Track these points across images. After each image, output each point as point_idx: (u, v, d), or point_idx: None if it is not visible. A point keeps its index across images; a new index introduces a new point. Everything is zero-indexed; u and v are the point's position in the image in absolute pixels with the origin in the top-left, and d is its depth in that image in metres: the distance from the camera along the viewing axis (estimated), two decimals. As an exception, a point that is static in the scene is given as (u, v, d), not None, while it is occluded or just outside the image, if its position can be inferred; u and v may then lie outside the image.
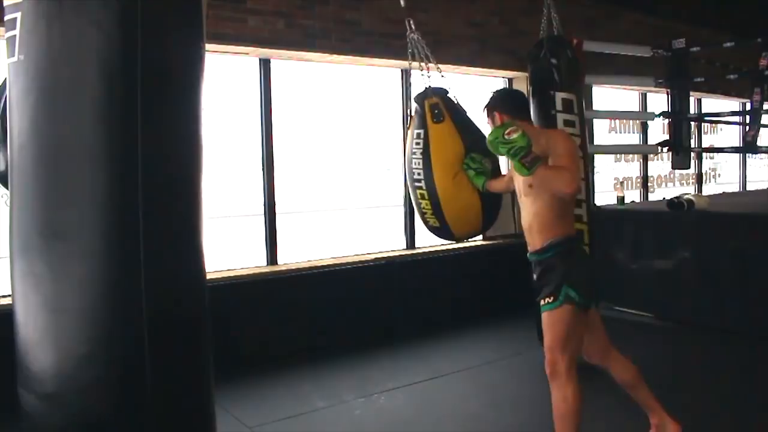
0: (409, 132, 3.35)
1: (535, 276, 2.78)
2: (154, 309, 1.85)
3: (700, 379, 3.90)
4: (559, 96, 4.27)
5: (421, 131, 3.23)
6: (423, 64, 3.50)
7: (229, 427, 3.23)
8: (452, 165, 3.21)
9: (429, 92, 3.36)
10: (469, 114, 3.40)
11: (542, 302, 2.66)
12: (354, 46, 4.71)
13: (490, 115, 2.91)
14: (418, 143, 3.21)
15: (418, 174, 3.21)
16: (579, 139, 3.99)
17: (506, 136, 2.56)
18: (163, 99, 1.89)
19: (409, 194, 5.37)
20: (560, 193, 2.60)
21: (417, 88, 3.50)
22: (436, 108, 3.24)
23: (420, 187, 3.23)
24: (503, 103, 2.89)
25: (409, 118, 3.32)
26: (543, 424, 3.34)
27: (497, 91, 3.03)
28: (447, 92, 3.39)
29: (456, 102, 3.39)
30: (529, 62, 4.50)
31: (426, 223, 3.34)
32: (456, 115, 3.29)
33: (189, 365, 1.99)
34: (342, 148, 5.59)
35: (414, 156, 3.25)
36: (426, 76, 3.50)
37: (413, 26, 3.48)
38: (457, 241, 3.77)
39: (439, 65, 4.60)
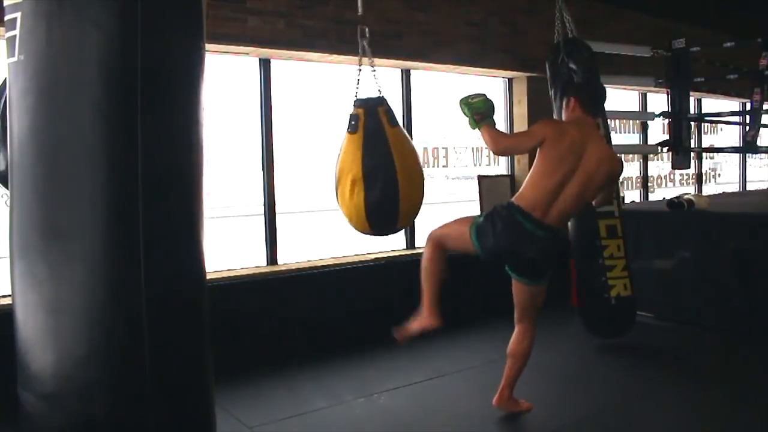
0: (359, 137, 3.32)
1: None
2: (154, 309, 1.85)
3: (700, 379, 3.90)
4: None
5: (379, 133, 3.30)
6: (369, 63, 3.52)
7: (229, 427, 3.23)
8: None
9: (366, 102, 3.37)
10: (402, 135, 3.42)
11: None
12: (354, 46, 4.70)
13: (566, 95, 3.15)
14: (377, 145, 3.27)
15: (382, 173, 3.26)
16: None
17: (470, 100, 3.05)
18: (163, 99, 1.89)
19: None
20: (489, 149, 3.11)
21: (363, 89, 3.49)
22: (354, 119, 3.31)
23: (380, 188, 3.29)
24: (585, 94, 3.18)
25: (378, 119, 3.31)
26: (543, 424, 3.34)
27: (586, 80, 3.52)
28: (379, 105, 3.38)
29: (385, 120, 3.36)
30: (548, 66, 4.50)
31: (373, 224, 3.40)
32: (369, 133, 3.30)
33: (189, 365, 1.99)
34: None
35: (374, 157, 3.28)
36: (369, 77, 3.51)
37: (367, 33, 3.51)
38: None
39: (437, 65, 4.61)
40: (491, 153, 6.23)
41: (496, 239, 3.01)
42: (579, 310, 4.71)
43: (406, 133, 3.52)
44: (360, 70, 3.52)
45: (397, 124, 3.41)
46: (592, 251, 4.50)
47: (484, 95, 3.08)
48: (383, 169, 3.24)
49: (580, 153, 3.00)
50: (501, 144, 3.08)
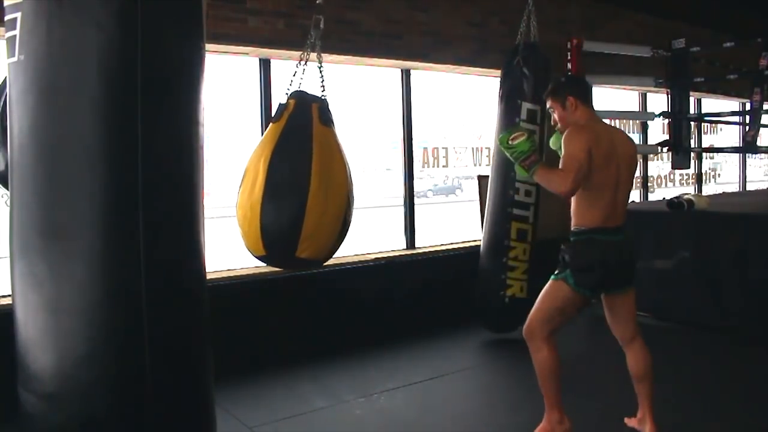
0: (280, 126, 2.91)
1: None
2: (154, 309, 1.85)
3: (700, 379, 3.90)
4: (525, 106, 4.31)
5: (304, 128, 2.86)
6: (316, 59, 3.21)
7: (229, 427, 3.23)
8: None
9: (301, 95, 3.05)
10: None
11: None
12: (354, 46, 4.71)
13: (559, 97, 2.96)
14: (298, 140, 2.81)
15: (292, 175, 2.75)
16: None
17: (510, 142, 2.82)
18: (163, 99, 1.89)
19: (406, 193, 5.38)
20: (557, 193, 2.78)
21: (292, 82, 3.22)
22: (281, 108, 2.93)
23: (283, 191, 2.78)
24: (577, 87, 3.02)
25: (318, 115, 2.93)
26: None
27: (568, 77, 3.32)
28: (314, 101, 3.02)
29: (316, 115, 2.95)
30: (502, 66, 4.52)
31: (267, 237, 2.83)
32: (292, 125, 2.88)
33: (189, 365, 1.99)
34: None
35: (290, 153, 2.81)
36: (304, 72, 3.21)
37: (321, 25, 3.28)
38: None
39: (437, 65, 4.58)
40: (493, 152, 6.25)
41: (597, 269, 2.80)
42: (476, 302, 4.77)
43: (339, 140, 2.99)
44: (305, 64, 3.14)
45: (330, 124, 2.94)
46: (498, 249, 4.59)
47: (522, 131, 2.85)
48: (295, 171, 2.66)
49: (614, 148, 2.86)
50: (568, 183, 2.71)
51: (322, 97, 3.10)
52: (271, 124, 2.94)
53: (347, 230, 2.91)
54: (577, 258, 2.82)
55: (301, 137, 2.75)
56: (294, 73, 3.12)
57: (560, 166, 2.78)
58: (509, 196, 4.56)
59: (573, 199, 2.88)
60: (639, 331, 3.02)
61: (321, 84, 3.17)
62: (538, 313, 2.90)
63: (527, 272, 4.53)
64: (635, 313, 3.02)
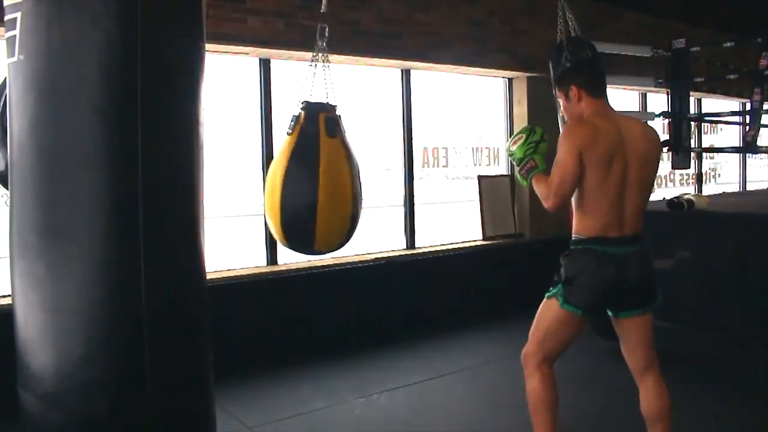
0: (292, 140, 3.08)
1: None
2: (154, 309, 1.85)
3: (700, 379, 3.90)
4: None
5: (312, 142, 3.06)
6: (322, 64, 3.33)
7: (229, 427, 3.23)
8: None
9: (326, 106, 3.19)
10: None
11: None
12: (354, 46, 4.70)
13: (563, 86, 2.58)
14: (308, 153, 3.03)
15: (302, 186, 2.99)
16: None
17: (511, 147, 2.57)
18: (163, 99, 1.89)
19: (406, 193, 5.38)
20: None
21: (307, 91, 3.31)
22: (294, 121, 3.10)
23: (298, 199, 3.01)
24: (584, 76, 2.59)
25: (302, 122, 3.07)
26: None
27: (574, 58, 2.85)
28: (321, 111, 3.16)
29: (323, 128, 3.12)
30: (551, 64, 4.48)
31: (287, 235, 3.09)
32: (302, 139, 3.09)
33: (189, 365, 2.00)
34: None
35: (301, 165, 3.04)
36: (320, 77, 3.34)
37: (326, 33, 3.34)
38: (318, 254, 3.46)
39: (437, 65, 4.56)
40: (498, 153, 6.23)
41: (589, 285, 2.41)
42: None
43: (347, 147, 3.16)
44: (314, 68, 3.29)
45: (335, 134, 3.09)
46: None
47: (522, 133, 2.57)
48: (306, 183, 2.95)
49: (622, 145, 2.43)
50: (550, 198, 2.40)
51: (330, 105, 3.20)
52: (286, 136, 3.11)
53: (357, 225, 3.22)
54: (566, 270, 2.45)
55: (309, 152, 3.01)
56: (304, 83, 3.25)
57: (552, 173, 2.44)
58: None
59: (572, 204, 2.52)
60: (655, 363, 2.58)
61: (328, 91, 3.26)
62: (532, 336, 2.58)
63: None
64: (652, 341, 2.57)
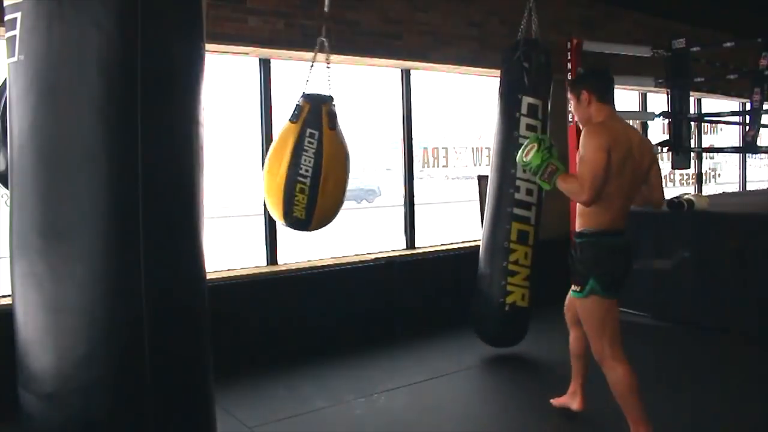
0: (297, 128, 3.32)
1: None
2: (154, 309, 1.85)
3: (700, 379, 3.90)
4: (526, 100, 4.29)
5: (315, 132, 3.31)
6: (325, 60, 3.51)
7: (229, 427, 3.23)
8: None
9: (327, 98, 3.41)
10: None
11: (572, 287, 2.88)
12: (354, 46, 4.71)
13: (575, 90, 2.91)
14: (311, 142, 3.30)
15: (306, 171, 3.28)
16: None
17: (525, 158, 2.80)
18: (163, 99, 1.89)
19: (406, 193, 5.37)
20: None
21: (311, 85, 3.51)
22: (298, 110, 3.34)
23: (302, 182, 3.28)
24: (595, 82, 2.91)
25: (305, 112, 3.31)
26: (543, 424, 3.34)
27: (591, 69, 3.24)
28: (323, 102, 3.41)
29: (325, 121, 3.39)
30: (502, 62, 4.50)
31: (286, 213, 3.34)
32: (306, 129, 3.36)
33: (189, 365, 1.99)
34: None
35: (305, 153, 3.30)
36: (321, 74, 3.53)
37: (328, 32, 3.47)
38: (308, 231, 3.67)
39: (437, 65, 4.55)
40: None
41: (613, 271, 2.79)
42: (471, 311, 4.48)
43: (342, 138, 3.41)
44: (312, 65, 3.49)
45: (335, 127, 3.36)
46: (500, 252, 4.28)
47: (533, 142, 2.84)
48: (309, 171, 3.25)
49: (632, 152, 2.77)
50: (585, 193, 2.66)
51: (330, 97, 3.41)
52: (289, 123, 3.31)
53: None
54: (592, 266, 2.77)
55: (313, 142, 3.29)
56: (307, 81, 3.45)
57: (578, 171, 2.69)
58: (509, 194, 4.28)
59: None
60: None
61: (328, 85, 3.44)
62: (592, 337, 2.84)
63: (528, 278, 4.26)
64: None
